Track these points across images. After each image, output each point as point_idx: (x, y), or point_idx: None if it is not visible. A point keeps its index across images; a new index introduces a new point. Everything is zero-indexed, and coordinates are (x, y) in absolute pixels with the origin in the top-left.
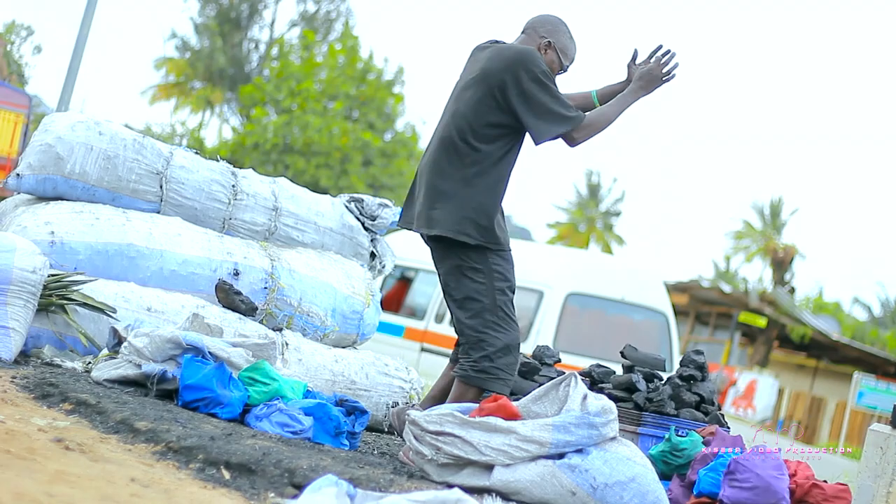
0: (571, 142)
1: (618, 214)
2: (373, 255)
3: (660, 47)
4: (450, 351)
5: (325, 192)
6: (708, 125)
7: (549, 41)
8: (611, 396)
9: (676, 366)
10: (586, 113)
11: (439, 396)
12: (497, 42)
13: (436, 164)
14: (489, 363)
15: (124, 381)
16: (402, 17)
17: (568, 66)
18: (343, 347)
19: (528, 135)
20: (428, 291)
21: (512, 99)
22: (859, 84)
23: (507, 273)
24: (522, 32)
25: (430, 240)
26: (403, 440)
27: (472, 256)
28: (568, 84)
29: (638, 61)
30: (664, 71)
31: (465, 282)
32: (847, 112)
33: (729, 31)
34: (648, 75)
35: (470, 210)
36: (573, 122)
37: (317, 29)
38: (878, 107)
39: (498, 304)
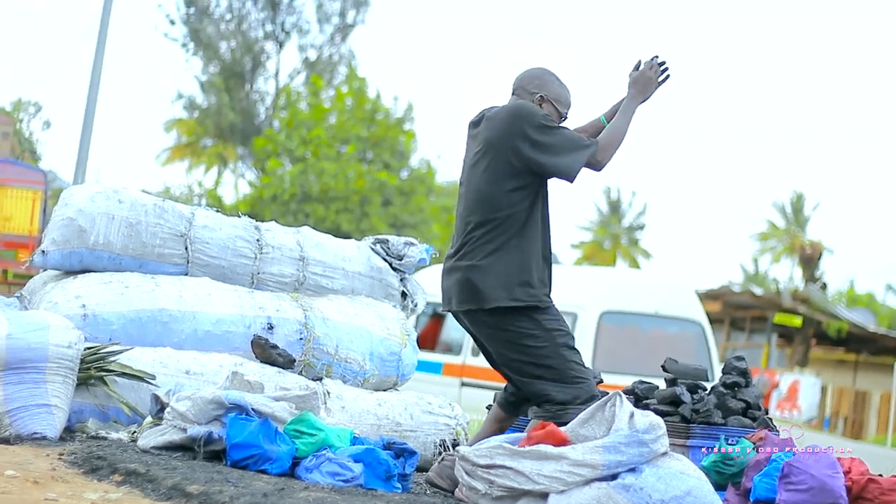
0: (597, 166)
1: (641, 228)
2: (404, 295)
3: (654, 57)
4: (490, 382)
5: (347, 237)
6: (719, 128)
7: (541, 95)
8: (657, 412)
9: (718, 374)
10: (598, 137)
11: None
12: (488, 110)
13: (466, 255)
14: (577, 409)
15: (171, 447)
16: (405, 55)
17: (567, 113)
18: (384, 390)
19: (553, 180)
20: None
21: (528, 155)
22: (866, 73)
23: (563, 327)
24: (513, 94)
25: (474, 317)
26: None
27: (523, 322)
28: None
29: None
30: (658, 73)
31: (525, 350)
32: (857, 102)
33: (730, 32)
34: (643, 78)
35: (511, 275)
36: (591, 148)
37: (321, 74)
38: (887, 94)
39: (569, 361)
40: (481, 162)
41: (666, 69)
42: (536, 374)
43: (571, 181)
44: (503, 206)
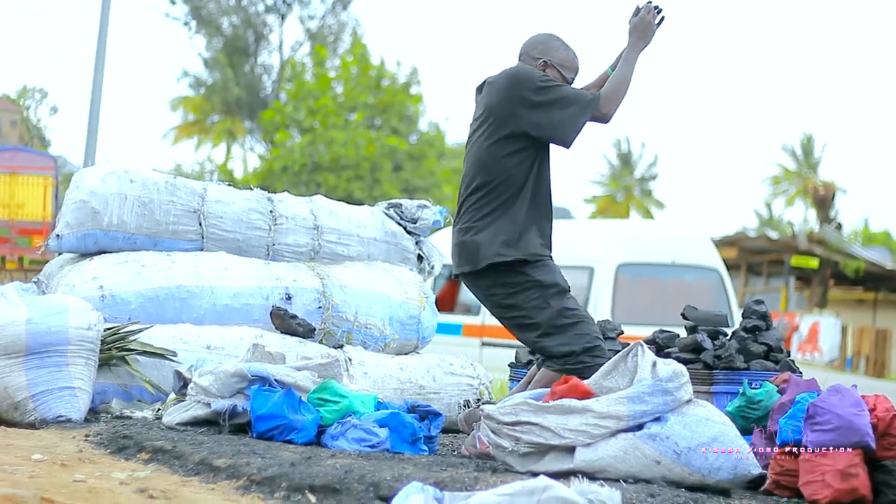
0: (603, 119)
1: (654, 178)
2: (420, 258)
3: (650, 1)
4: (511, 341)
5: (360, 204)
6: (724, 74)
7: (544, 61)
8: (679, 360)
9: (738, 319)
10: (602, 89)
11: None
12: (491, 76)
13: (462, 218)
14: (579, 360)
15: (196, 422)
16: (408, 19)
17: (573, 77)
18: (406, 354)
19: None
20: None
21: (527, 117)
22: (870, 11)
23: (558, 279)
24: (518, 60)
25: (471, 280)
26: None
27: (513, 277)
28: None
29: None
30: (654, 15)
31: (518, 306)
32: (859, 41)
33: None
34: (642, 23)
35: (500, 235)
36: (593, 104)
37: (325, 44)
38: (891, 31)
39: (560, 310)
40: (482, 127)
41: (661, 11)
42: (533, 329)
43: (568, 144)
44: (499, 171)
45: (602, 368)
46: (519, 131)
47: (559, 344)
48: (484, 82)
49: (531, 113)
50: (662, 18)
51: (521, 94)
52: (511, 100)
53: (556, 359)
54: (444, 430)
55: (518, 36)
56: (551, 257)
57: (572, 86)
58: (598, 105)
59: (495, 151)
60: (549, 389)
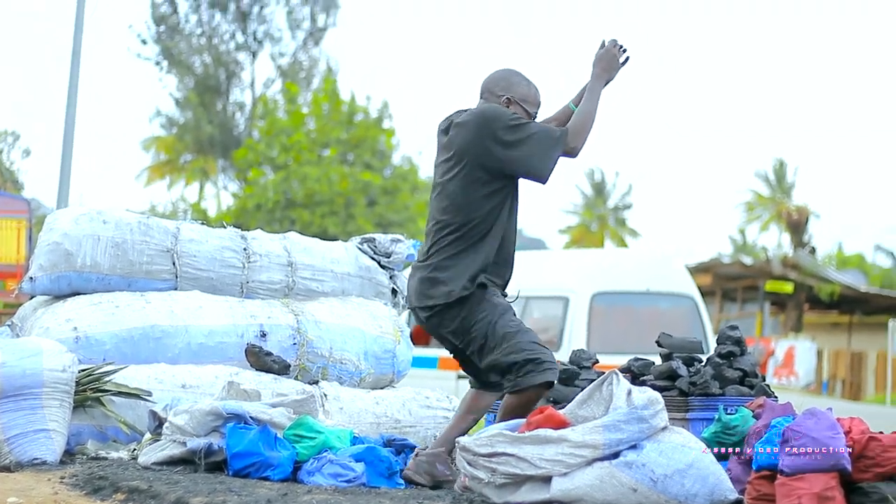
0: (571, 153)
1: (628, 208)
2: (394, 292)
3: (615, 39)
4: None
5: (335, 240)
6: (696, 102)
7: (507, 97)
8: (654, 387)
9: (713, 346)
10: (569, 123)
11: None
12: (456, 115)
13: (432, 255)
14: (528, 366)
15: (172, 461)
16: (379, 54)
17: (536, 112)
18: (381, 388)
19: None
20: None
21: (500, 157)
22: (839, 36)
23: (504, 303)
24: (480, 97)
25: (431, 313)
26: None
27: (468, 307)
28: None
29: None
30: (619, 51)
31: (471, 332)
32: (829, 66)
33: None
34: (606, 55)
35: (469, 270)
36: (563, 138)
37: (297, 80)
38: (858, 54)
39: (501, 325)
40: (453, 169)
41: (625, 50)
42: (490, 350)
43: (545, 180)
44: (475, 211)
45: (577, 398)
46: (494, 170)
47: (508, 357)
48: (450, 122)
49: (505, 151)
50: (627, 58)
51: (493, 133)
52: (483, 139)
53: (508, 373)
54: None
55: (486, 68)
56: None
57: (536, 121)
58: (567, 140)
59: (471, 192)
60: (524, 420)
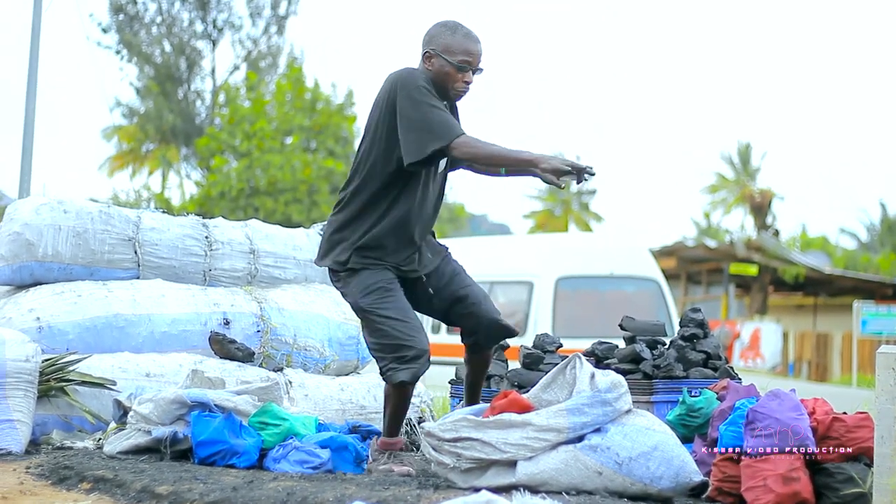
0: (449, 152)
1: (592, 193)
2: None
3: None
4: (451, 359)
5: (299, 227)
6: (660, 84)
7: (427, 51)
8: (618, 370)
9: (677, 329)
10: (474, 136)
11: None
12: None
13: (332, 212)
14: (385, 364)
15: (137, 450)
16: (341, 40)
17: (467, 61)
18: (346, 375)
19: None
20: None
21: (390, 122)
22: (805, 16)
23: (376, 286)
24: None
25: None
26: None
27: (340, 284)
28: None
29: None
30: (568, 169)
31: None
32: (795, 48)
33: None
34: (554, 160)
35: (346, 239)
36: (447, 138)
37: (259, 68)
38: (824, 36)
39: (367, 310)
40: (369, 129)
41: (592, 175)
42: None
43: (406, 165)
44: (372, 178)
45: (540, 382)
46: (383, 132)
47: (374, 350)
48: None
49: (394, 118)
50: (566, 182)
51: (392, 98)
52: (387, 102)
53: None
54: None
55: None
56: (383, 265)
57: (477, 69)
58: (455, 143)
59: (374, 155)
60: (488, 405)
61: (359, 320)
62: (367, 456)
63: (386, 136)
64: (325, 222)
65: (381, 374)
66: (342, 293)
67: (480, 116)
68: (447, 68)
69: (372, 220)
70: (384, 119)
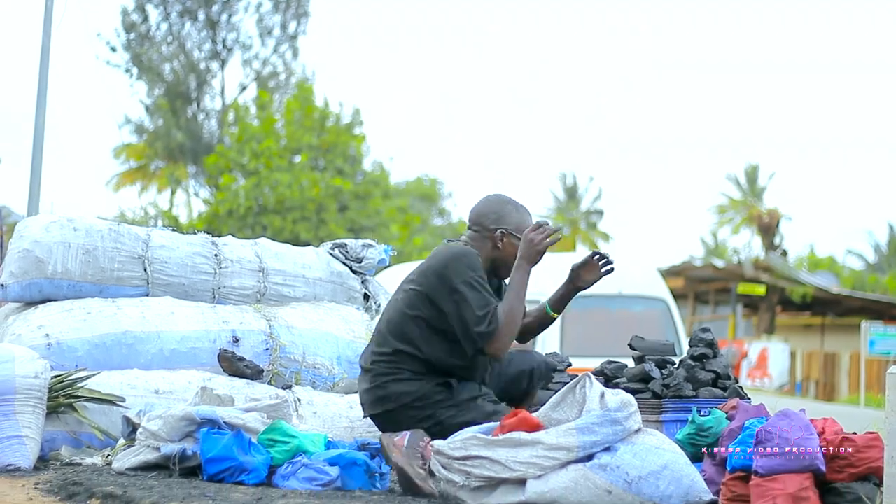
0: (493, 356)
1: (600, 213)
2: (366, 297)
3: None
4: None
5: (307, 245)
6: (669, 104)
7: (500, 231)
8: (627, 390)
9: (686, 348)
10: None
11: None
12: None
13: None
14: None
15: (146, 467)
16: (350, 60)
17: None
18: (355, 393)
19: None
20: None
21: (442, 301)
22: (812, 39)
23: None
24: (469, 228)
25: None
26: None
27: None
28: None
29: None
30: (542, 240)
31: None
32: (802, 67)
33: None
34: (527, 247)
35: None
36: (487, 337)
37: (268, 88)
38: (831, 53)
39: None
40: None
41: (553, 233)
42: None
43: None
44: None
45: (550, 401)
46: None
47: None
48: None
49: (448, 296)
50: (555, 238)
51: (448, 275)
52: (438, 274)
53: None
54: None
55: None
56: None
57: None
58: (489, 348)
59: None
60: (498, 423)
61: (368, 338)
62: (376, 473)
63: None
64: (334, 241)
65: None
66: None
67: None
68: (517, 245)
69: None
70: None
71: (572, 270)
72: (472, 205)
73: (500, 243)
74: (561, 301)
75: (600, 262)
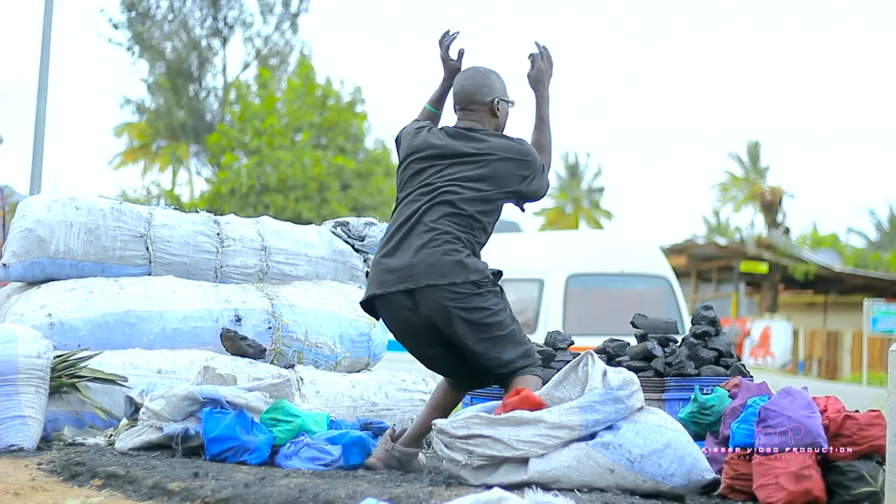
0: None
1: (601, 190)
2: (368, 275)
3: (540, 47)
4: None
5: (309, 224)
6: (670, 81)
7: (494, 100)
8: (630, 368)
9: (688, 326)
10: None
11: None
12: (469, 132)
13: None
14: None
15: (149, 447)
16: (351, 38)
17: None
18: (357, 371)
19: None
20: None
21: (522, 191)
22: (811, 11)
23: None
24: (464, 109)
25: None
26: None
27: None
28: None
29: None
30: (544, 62)
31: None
32: (805, 44)
33: None
34: (539, 75)
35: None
36: (545, 172)
37: (270, 65)
38: (833, 29)
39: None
40: (477, 179)
41: (547, 54)
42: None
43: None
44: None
45: (552, 379)
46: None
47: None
48: (464, 132)
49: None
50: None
51: (521, 174)
52: (513, 177)
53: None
54: None
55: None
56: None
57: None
58: (546, 169)
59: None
60: (500, 402)
61: (370, 318)
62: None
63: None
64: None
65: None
66: (479, 307)
67: None
68: (509, 109)
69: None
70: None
71: (530, 77)
72: (455, 90)
73: (497, 111)
74: (438, 98)
75: (546, 55)
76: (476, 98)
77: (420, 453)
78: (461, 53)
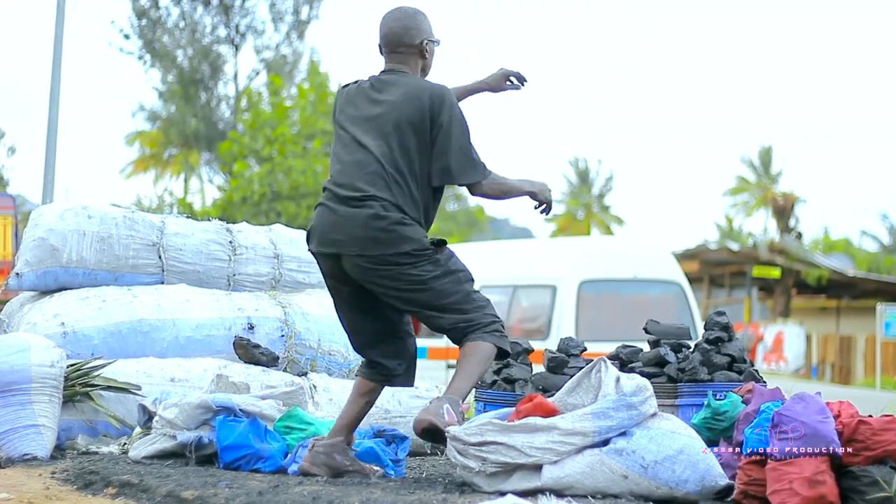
0: (474, 191)
1: (613, 196)
2: None
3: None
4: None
5: None
6: (682, 87)
7: (423, 41)
8: (643, 374)
9: (701, 332)
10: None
11: (354, 425)
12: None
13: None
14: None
15: (162, 455)
16: (361, 43)
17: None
18: None
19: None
20: None
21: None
22: (822, 17)
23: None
24: (392, 52)
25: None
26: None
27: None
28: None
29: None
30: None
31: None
32: (817, 49)
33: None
34: (543, 194)
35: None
36: (482, 175)
37: (280, 73)
38: (845, 35)
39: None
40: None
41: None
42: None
43: (442, 183)
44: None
45: (566, 386)
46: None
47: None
48: (375, 82)
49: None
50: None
51: (436, 112)
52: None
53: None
54: (411, 454)
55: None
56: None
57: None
58: (484, 183)
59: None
60: (513, 409)
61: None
62: (391, 460)
63: (428, 142)
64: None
65: (488, 330)
66: (430, 275)
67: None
68: (435, 48)
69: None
70: (424, 126)
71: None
72: (383, 32)
73: (426, 53)
74: (463, 94)
75: (512, 79)
76: (405, 40)
77: (344, 443)
78: (514, 87)
